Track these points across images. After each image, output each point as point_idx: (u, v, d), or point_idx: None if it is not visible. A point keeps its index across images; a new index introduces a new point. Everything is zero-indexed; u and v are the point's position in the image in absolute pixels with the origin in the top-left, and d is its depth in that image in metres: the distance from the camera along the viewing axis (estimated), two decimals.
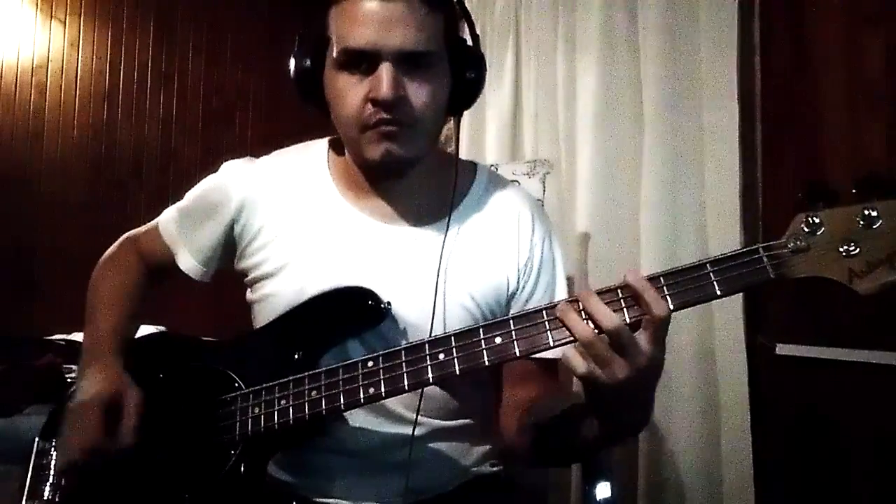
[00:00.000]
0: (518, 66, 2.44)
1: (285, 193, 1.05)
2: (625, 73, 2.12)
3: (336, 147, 1.09)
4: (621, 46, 2.13)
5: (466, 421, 1.05)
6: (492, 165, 1.85)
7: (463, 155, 1.20)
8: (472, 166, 1.10)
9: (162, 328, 2.13)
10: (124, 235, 1.19)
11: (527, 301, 1.02)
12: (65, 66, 2.78)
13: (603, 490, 1.12)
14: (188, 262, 1.09)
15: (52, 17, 2.76)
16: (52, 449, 1.00)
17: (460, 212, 1.02)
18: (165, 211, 1.14)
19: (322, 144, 1.10)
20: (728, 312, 1.82)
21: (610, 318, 0.71)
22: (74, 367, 1.98)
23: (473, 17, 1.04)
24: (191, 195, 1.13)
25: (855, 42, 1.70)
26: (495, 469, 1.09)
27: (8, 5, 2.68)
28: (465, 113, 1.03)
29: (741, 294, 1.80)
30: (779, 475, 1.78)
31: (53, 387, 1.84)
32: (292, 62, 0.98)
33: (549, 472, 2.00)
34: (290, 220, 1.03)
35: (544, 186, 1.98)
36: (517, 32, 2.44)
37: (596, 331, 0.72)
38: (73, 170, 2.76)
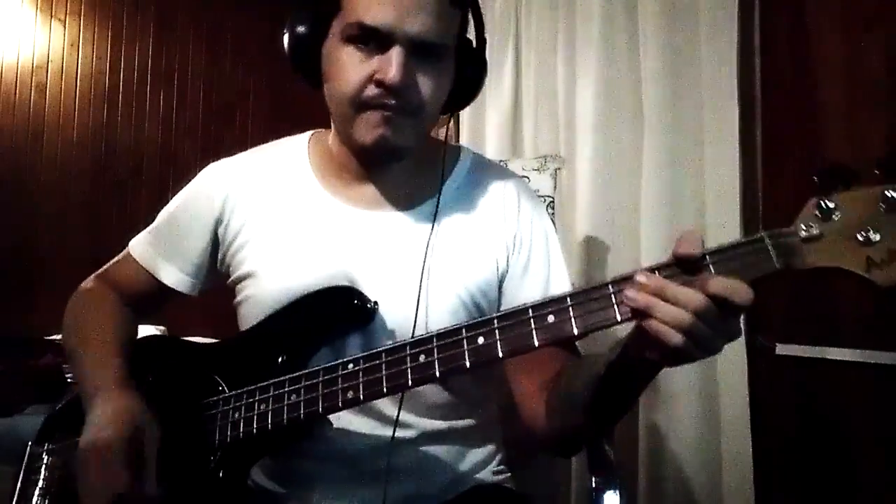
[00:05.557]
0: (518, 66, 2.43)
1: (264, 188, 1.01)
2: (625, 72, 2.12)
3: (317, 139, 1.06)
4: (621, 46, 2.13)
5: (462, 421, 0.98)
6: (500, 161, 1.79)
7: None
8: (456, 149, 1.06)
9: (162, 328, 2.15)
10: (87, 279, 1.09)
11: (521, 279, 0.97)
12: (65, 66, 2.78)
13: (611, 499, 1.07)
14: (173, 275, 1.03)
15: (52, 17, 2.76)
16: (45, 454, 0.97)
17: (444, 194, 0.98)
18: (134, 239, 1.08)
19: (302, 137, 1.07)
20: None
21: (696, 297, 0.62)
22: None
23: None
24: (164, 212, 1.07)
25: (855, 42, 1.70)
26: (499, 477, 1.02)
27: (8, 5, 2.68)
28: (466, 112, 1.01)
29: None
30: (779, 475, 1.78)
31: (53, 387, 1.84)
32: (289, 25, 0.92)
33: (552, 479, 1.99)
34: (269, 215, 0.99)
35: (556, 183, 1.84)
36: (517, 32, 2.44)
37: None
38: (73, 170, 2.76)
